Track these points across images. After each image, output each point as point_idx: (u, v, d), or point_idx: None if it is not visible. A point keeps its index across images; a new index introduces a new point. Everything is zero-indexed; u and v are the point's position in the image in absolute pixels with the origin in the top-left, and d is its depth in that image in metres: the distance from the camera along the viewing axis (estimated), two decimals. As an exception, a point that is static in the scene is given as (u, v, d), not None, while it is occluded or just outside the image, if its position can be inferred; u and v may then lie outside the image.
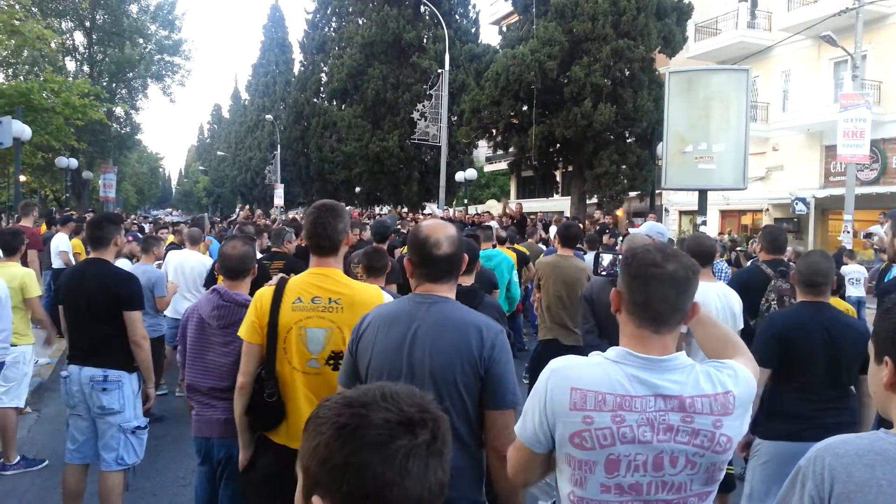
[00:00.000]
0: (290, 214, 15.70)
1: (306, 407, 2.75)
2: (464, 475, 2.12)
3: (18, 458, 5.27)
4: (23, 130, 14.93)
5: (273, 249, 6.58)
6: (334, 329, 2.72)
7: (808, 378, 3.37)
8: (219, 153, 66.30)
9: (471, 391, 2.13)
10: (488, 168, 38.63)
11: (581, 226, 12.79)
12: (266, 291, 2.86)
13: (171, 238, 9.45)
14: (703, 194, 11.10)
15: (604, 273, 3.99)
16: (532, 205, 29.37)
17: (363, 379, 2.26)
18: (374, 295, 2.82)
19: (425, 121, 25.44)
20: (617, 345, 1.75)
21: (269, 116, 45.01)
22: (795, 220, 22.04)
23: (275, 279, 2.93)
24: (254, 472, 2.92)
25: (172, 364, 7.31)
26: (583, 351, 3.23)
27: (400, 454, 0.91)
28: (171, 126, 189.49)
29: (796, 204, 20.90)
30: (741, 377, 1.72)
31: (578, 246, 7.53)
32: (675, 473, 1.65)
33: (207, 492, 3.55)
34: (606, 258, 3.91)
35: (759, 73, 23.17)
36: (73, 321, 4.11)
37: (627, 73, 20.79)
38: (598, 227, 12.55)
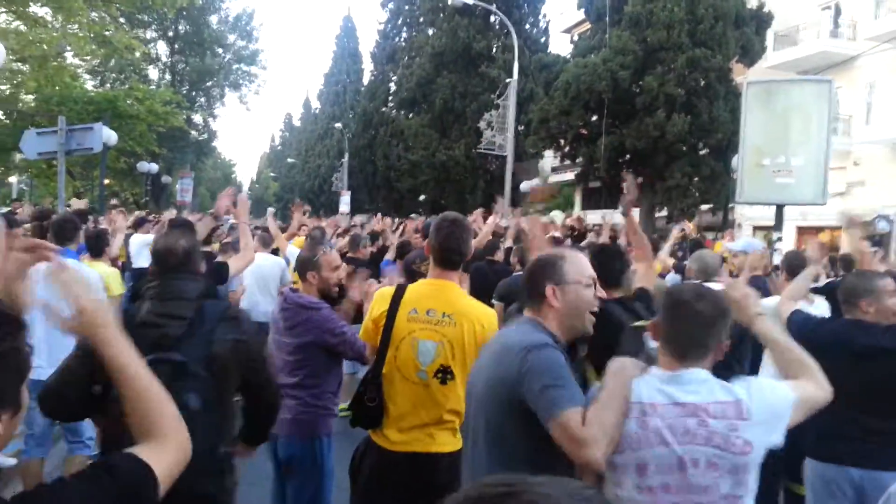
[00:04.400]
0: (357, 219, 15.95)
1: (407, 414, 2.84)
2: None
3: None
4: (110, 136, 15.63)
5: (349, 255, 6.72)
6: (445, 343, 2.79)
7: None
8: (289, 160, 67.80)
9: None
10: (553, 178, 38.30)
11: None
12: (382, 297, 2.96)
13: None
14: (779, 209, 10.71)
15: None
16: (598, 217, 28.91)
17: None
18: (487, 314, 2.90)
19: (492, 130, 25.42)
20: None
21: (338, 125, 45.81)
22: (877, 238, 21.02)
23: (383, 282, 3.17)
24: (360, 472, 2.99)
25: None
26: None
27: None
28: (245, 134, 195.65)
29: (878, 221, 19.92)
30: (755, 388, 1.91)
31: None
32: (699, 475, 1.85)
33: (277, 490, 3.66)
34: None
35: (842, 83, 22.21)
36: None
37: (703, 82, 20.28)
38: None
